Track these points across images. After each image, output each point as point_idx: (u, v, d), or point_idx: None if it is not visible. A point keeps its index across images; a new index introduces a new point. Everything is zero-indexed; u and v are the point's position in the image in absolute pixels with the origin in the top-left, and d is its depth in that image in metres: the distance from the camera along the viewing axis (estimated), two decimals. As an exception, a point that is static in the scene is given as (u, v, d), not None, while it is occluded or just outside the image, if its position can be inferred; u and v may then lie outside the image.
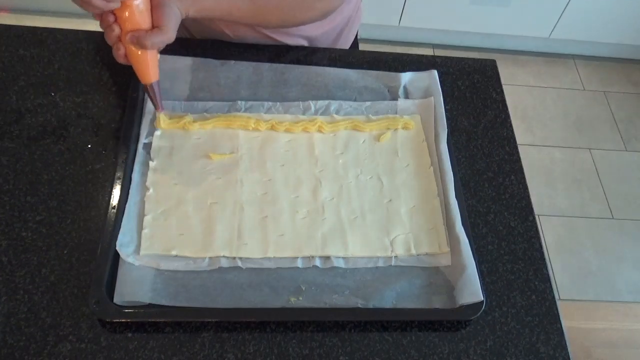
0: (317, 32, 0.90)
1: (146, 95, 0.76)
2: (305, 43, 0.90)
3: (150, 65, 0.67)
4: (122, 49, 0.65)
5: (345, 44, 0.99)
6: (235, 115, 0.76)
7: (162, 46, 0.66)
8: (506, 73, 2.16)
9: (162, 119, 0.73)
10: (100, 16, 0.64)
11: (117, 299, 0.60)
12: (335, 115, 0.79)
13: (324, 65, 0.85)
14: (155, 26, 0.65)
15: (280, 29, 0.86)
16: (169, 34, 0.65)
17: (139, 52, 0.65)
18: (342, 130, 0.77)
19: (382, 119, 0.79)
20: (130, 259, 0.63)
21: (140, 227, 0.66)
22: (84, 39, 0.85)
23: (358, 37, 1.06)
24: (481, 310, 0.64)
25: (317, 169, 0.74)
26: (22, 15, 2.02)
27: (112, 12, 0.63)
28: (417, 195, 0.73)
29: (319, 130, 0.76)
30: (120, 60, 0.66)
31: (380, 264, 0.67)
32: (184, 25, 0.87)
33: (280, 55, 0.87)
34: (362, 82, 0.83)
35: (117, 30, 0.64)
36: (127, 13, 0.63)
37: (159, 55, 0.68)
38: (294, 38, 0.88)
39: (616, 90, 2.19)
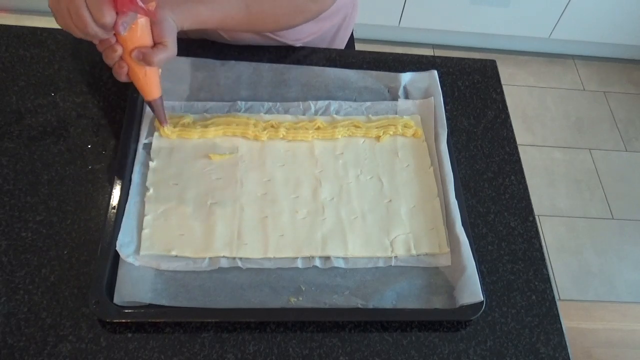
0: (314, 32, 0.90)
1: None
2: (300, 43, 0.90)
3: (154, 82, 0.67)
4: (125, 67, 0.64)
5: (342, 42, 0.99)
6: (235, 115, 0.76)
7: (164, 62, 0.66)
8: (506, 73, 2.16)
9: (167, 131, 0.73)
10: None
11: (117, 300, 0.60)
12: (335, 116, 0.79)
13: (323, 65, 0.85)
14: (157, 42, 0.64)
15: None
16: (173, 50, 0.65)
17: (144, 70, 0.65)
18: (341, 138, 0.77)
19: (382, 119, 0.79)
20: (130, 259, 0.63)
21: (140, 227, 0.66)
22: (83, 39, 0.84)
23: (354, 36, 1.06)
24: (481, 311, 0.64)
25: (317, 169, 0.74)
26: (22, 15, 2.02)
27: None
28: (417, 196, 0.73)
29: (319, 135, 0.76)
30: (122, 78, 0.66)
31: (380, 264, 0.67)
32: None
33: (280, 55, 0.87)
34: (362, 82, 0.83)
35: (119, 50, 0.63)
36: (131, 32, 0.62)
37: (160, 70, 0.67)
38: (290, 39, 0.88)
39: (616, 90, 2.19)
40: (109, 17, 0.58)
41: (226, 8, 0.71)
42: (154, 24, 0.64)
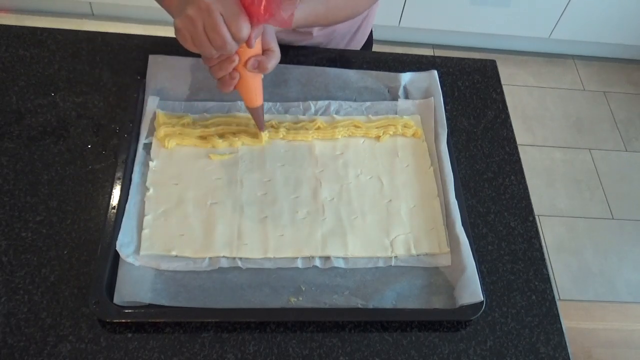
0: (337, 30, 0.90)
1: (147, 97, 0.76)
2: (322, 41, 0.90)
3: (260, 88, 0.68)
4: (237, 77, 0.65)
5: (362, 39, 1.00)
6: (235, 115, 0.76)
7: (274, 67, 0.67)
8: (506, 73, 2.16)
9: (264, 136, 0.74)
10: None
11: (117, 300, 0.60)
12: (335, 116, 0.79)
13: (324, 65, 0.85)
14: (265, 49, 0.65)
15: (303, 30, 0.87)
16: (279, 54, 0.66)
17: (255, 78, 0.66)
18: (340, 138, 0.77)
19: (382, 119, 0.79)
20: (130, 259, 0.63)
21: (140, 227, 0.66)
22: (84, 39, 0.85)
23: (373, 37, 1.06)
24: (481, 311, 0.64)
25: (317, 169, 0.74)
26: (22, 15, 2.02)
27: None
28: (417, 196, 0.73)
29: (319, 135, 0.76)
30: (230, 89, 0.66)
31: (380, 264, 0.67)
32: None
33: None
34: (362, 82, 0.83)
35: (237, 60, 0.63)
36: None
37: (262, 76, 0.68)
38: (311, 38, 0.89)
39: (616, 90, 2.19)
40: (246, 30, 0.58)
41: (311, 6, 0.73)
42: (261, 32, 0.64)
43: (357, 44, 1.01)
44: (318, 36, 0.89)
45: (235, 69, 0.65)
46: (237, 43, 0.59)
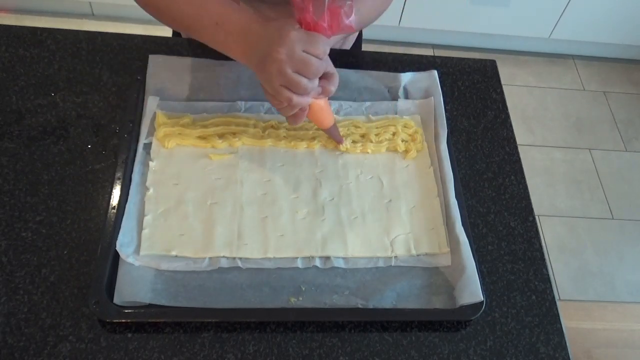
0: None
1: (147, 97, 0.76)
2: None
3: (329, 108, 0.69)
4: (307, 108, 0.66)
5: (352, 38, 1.00)
6: (235, 115, 0.76)
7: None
8: (506, 73, 2.16)
9: (344, 147, 0.75)
10: None
11: (117, 300, 0.60)
12: (335, 116, 0.78)
13: (324, 65, 0.85)
14: (325, 72, 0.65)
15: None
16: (337, 75, 0.66)
17: (321, 102, 0.67)
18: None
19: (382, 119, 0.79)
20: (130, 259, 0.63)
21: (140, 227, 0.66)
22: (84, 39, 0.85)
23: (362, 36, 1.06)
24: (481, 311, 0.64)
25: (317, 169, 0.74)
26: (22, 15, 2.02)
27: None
28: (417, 196, 0.73)
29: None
30: (302, 120, 0.67)
31: (380, 264, 0.67)
32: None
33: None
34: (362, 82, 0.83)
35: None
36: None
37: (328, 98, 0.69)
38: None
39: (616, 90, 2.19)
40: (328, 46, 0.60)
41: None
42: None
43: (347, 46, 1.01)
44: None
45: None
46: (324, 62, 0.61)
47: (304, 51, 0.58)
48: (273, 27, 0.61)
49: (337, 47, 0.95)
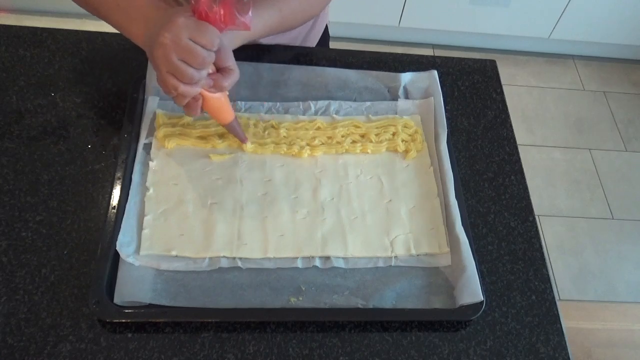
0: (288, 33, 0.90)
1: (146, 96, 0.76)
2: (283, 40, 0.90)
3: (227, 104, 0.68)
4: (200, 99, 0.65)
5: (316, 36, 1.00)
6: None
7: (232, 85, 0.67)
8: (506, 73, 2.16)
9: (249, 147, 0.73)
10: None
11: (117, 299, 0.60)
12: (335, 116, 0.79)
13: (324, 65, 0.85)
14: (221, 67, 0.65)
15: None
16: (238, 72, 0.66)
17: (216, 97, 0.66)
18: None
19: (382, 119, 0.79)
20: (130, 259, 0.63)
21: (140, 227, 0.66)
22: (84, 39, 0.85)
23: (329, 34, 1.06)
24: (481, 311, 0.64)
25: (317, 169, 0.74)
26: (22, 15, 2.02)
27: None
28: (417, 196, 0.73)
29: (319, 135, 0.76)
30: (197, 112, 0.66)
31: (380, 264, 0.67)
32: None
33: (280, 55, 0.87)
34: (362, 82, 0.83)
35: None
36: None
37: (227, 93, 0.68)
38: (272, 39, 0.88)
39: (616, 90, 2.19)
40: (217, 38, 0.59)
41: (265, 18, 0.73)
42: (217, 51, 0.63)
43: (311, 44, 1.00)
44: (268, 39, 0.88)
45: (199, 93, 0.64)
46: (212, 53, 0.60)
47: (191, 39, 0.58)
48: (167, 13, 0.61)
49: (296, 43, 0.94)
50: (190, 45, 0.58)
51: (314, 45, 1.01)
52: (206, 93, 0.65)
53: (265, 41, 0.87)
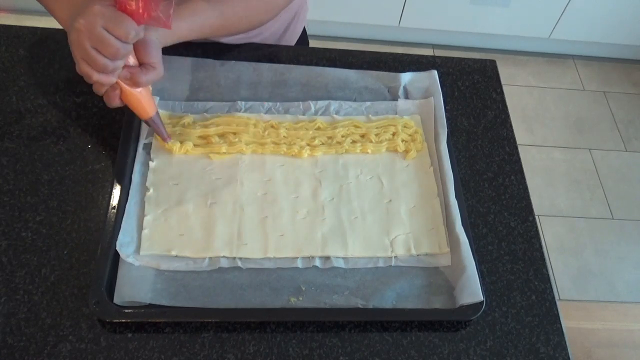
0: (266, 30, 0.90)
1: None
2: (255, 40, 0.90)
3: (148, 99, 0.67)
4: (118, 90, 0.64)
5: (292, 38, 1.00)
6: (235, 115, 0.76)
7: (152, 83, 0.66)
8: (506, 73, 2.16)
9: (174, 147, 0.72)
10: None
11: (117, 299, 0.60)
12: (335, 116, 0.79)
13: (323, 65, 0.85)
14: (145, 63, 0.64)
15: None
16: (161, 70, 0.65)
17: (136, 91, 0.65)
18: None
19: (382, 119, 0.79)
20: (130, 259, 0.63)
21: (140, 227, 0.66)
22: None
23: (307, 33, 1.06)
24: (481, 311, 0.64)
25: (317, 169, 0.74)
26: (22, 15, 2.02)
27: None
28: (417, 196, 0.73)
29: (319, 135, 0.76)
30: (116, 102, 0.65)
31: (380, 264, 0.67)
32: None
33: (280, 55, 0.87)
34: (362, 82, 0.83)
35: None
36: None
37: (150, 88, 0.67)
38: (240, 38, 0.88)
39: (616, 90, 2.19)
40: (132, 29, 0.58)
41: (202, 18, 0.72)
42: (141, 45, 0.63)
43: (291, 41, 1.00)
44: (239, 38, 0.88)
45: (116, 83, 0.63)
46: (128, 45, 0.59)
47: (105, 29, 0.57)
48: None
49: (271, 41, 0.94)
50: (104, 34, 0.57)
51: (293, 44, 1.00)
52: (123, 85, 0.64)
53: (227, 40, 0.87)
